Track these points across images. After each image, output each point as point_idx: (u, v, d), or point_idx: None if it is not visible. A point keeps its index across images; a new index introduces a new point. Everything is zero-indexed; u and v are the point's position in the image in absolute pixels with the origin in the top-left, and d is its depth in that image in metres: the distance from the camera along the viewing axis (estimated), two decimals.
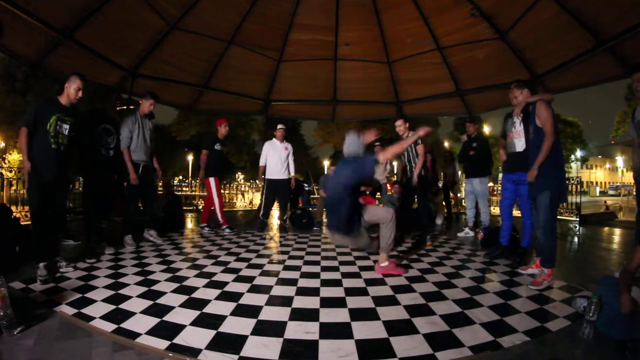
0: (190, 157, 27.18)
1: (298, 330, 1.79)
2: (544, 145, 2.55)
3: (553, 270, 2.57)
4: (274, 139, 5.17)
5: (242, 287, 2.44)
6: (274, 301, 2.19)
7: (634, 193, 3.04)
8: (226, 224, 4.75)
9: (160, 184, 5.27)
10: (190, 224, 5.77)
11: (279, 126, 5.18)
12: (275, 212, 6.62)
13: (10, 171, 8.33)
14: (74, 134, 2.82)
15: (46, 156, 2.64)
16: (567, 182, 6.72)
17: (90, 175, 3.45)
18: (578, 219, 6.33)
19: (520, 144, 3.10)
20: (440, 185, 6.98)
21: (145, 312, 1.98)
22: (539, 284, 2.49)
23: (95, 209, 3.42)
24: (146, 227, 4.04)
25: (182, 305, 2.08)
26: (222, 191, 5.08)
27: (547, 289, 2.45)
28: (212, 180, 4.74)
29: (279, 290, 2.39)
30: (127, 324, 1.81)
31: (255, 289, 2.41)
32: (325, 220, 5.95)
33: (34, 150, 2.62)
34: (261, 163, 5.20)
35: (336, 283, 2.56)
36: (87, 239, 3.43)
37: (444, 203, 6.59)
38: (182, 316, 1.93)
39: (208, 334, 1.72)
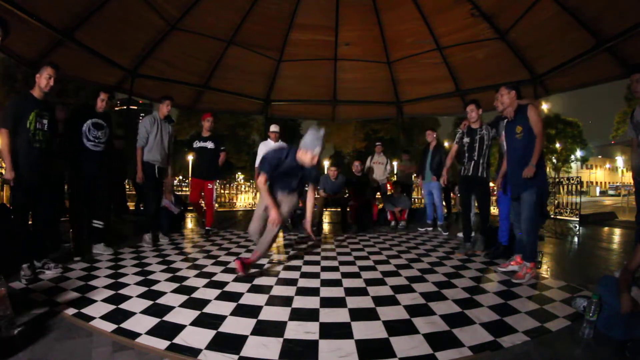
0: (190, 157, 27.19)
1: (298, 330, 1.79)
2: (537, 144, 2.66)
3: (534, 264, 2.70)
4: (268, 140, 5.13)
5: (242, 287, 2.44)
6: (274, 301, 2.19)
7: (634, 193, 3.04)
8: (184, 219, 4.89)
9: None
10: (190, 224, 5.77)
11: (272, 129, 5.10)
12: None
13: None
14: (53, 128, 2.72)
15: (29, 157, 2.54)
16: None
17: (77, 172, 3.22)
18: (578, 219, 6.32)
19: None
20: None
21: (145, 312, 1.98)
22: (521, 277, 2.59)
23: (82, 207, 3.29)
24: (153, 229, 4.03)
25: (182, 305, 2.08)
26: (212, 192, 4.79)
27: (547, 288, 2.46)
28: (191, 181, 4.76)
29: (278, 290, 2.39)
30: (127, 324, 1.81)
31: (255, 289, 2.40)
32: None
33: (16, 152, 2.50)
34: (257, 164, 5.06)
35: (336, 283, 2.56)
36: (75, 239, 3.24)
37: (443, 203, 6.59)
38: (182, 316, 1.93)
39: (208, 334, 1.72)
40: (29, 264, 2.54)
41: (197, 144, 4.70)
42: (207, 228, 4.66)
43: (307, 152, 2.62)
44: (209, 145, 4.68)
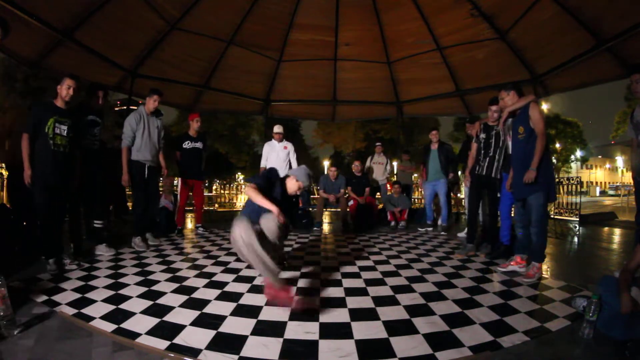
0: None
1: (298, 331, 1.79)
2: (537, 145, 2.60)
3: (542, 264, 2.74)
4: (272, 140, 5.20)
5: (242, 287, 2.44)
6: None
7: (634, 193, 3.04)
8: (180, 225, 4.68)
9: (161, 183, 5.16)
10: (190, 224, 5.77)
11: (276, 130, 5.15)
12: None
13: None
14: (72, 135, 2.89)
15: (47, 158, 2.73)
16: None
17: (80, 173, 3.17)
18: (578, 219, 6.32)
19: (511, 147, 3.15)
20: None
21: (145, 312, 1.98)
22: (531, 276, 2.61)
23: (80, 206, 3.30)
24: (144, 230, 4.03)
25: (182, 306, 2.08)
26: (209, 192, 4.91)
27: (547, 288, 2.46)
28: (179, 180, 4.65)
29: None
30: (127, 324, 1.81)
31: (255, 289, 2.40)
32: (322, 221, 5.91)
33: (35, 154, 2.72)
34: (262, 165, 5.22)
35: (336, 283, 2.56)
36: (75, 239, 3.22)
37: None
38: (182, 316, 1.93)
39: (208, 334, 1.72)
40: (55, 259, 2.73)
41: (188, 145, 4.61)
42: (197, 225, 4.78)
43: (298, 181, 2.64)
44: (199, 145, 4.67)
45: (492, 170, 3.44)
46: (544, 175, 2.60)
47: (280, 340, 1.69)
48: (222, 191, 9.87)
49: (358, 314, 1.99)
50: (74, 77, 2.88)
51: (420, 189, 9.20)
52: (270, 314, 1.99)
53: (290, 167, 5.17)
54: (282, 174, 4.93)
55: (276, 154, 5.08)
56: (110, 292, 2.27)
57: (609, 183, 49.07)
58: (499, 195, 3.48)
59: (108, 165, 3.84)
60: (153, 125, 3.80)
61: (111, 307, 2.03)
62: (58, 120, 2.78)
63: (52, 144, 2.74)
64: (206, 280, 2.58)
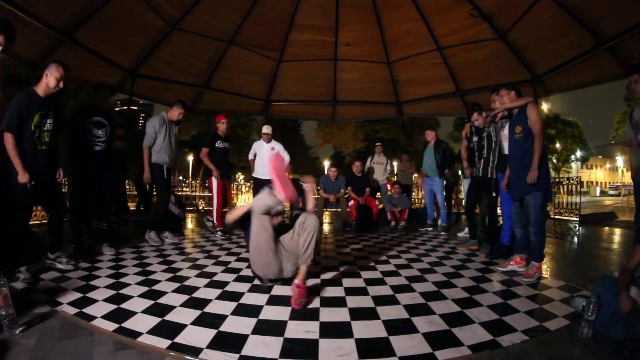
0: (190, 158, 27.18)
1: (298, 330, 1.80)
2: (536, 144, 2.63)
3: (541, 264, 2.75)
4: (261, 140, 5.14)
5: (242, 287, 2.45)
6: (274, 300, 2.20)
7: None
8: (220, 227, 4.57)
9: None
10: (190, 224, 5.78)
11: (264, 131, 5.10)
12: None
13: None
14: (56, 128, 2.64)
15: (35, 160, 2.49)
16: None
17: (79, 173, 3.19)
18: (578, 219, 6.32)
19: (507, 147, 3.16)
20: None
21: (147, 311, 1.99)
22: (531, 276, 2.62)
23: (82, 208, 3.25)
24: (160, 229, 4.09)
25: (183, 305, 2.09)
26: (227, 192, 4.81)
27: (547, 288, 2.47)
28: (213, 179, 4.56)
29: (279, 290, 2.39)
30: (129, 324, 1.82)
31: (255, 289, 2.41)
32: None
33: (22, 153, 2.41)
34: (250, 157, 5.23)
35: (336, 283, 2.57)
36: (75, 241, 3.19)
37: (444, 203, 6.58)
38: (183, 316, 1.94)
39: (209, 333, 1.73)
40: (27, 267, 2.49)
41: (220, 144, 4.62)
42: (218, 228, 4.64)
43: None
44: (227, 145, 4.74)
45: (488, 171, 3.49)
46: (541, 175, 2.62)
47: (281, 339, 1.70)
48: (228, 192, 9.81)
49: (358, 314, 2.00)
50: (66, 68, 2.58)
51: (420, 189, 9.20)
52: (270, 313, 2.01)
53: None
54: (267, 175, 4.95)
55: (263, 154, 5.03)
56: (112, 292, 2.28)
57: (609, 183, 49.04)
58: (494, 194, 3.49)
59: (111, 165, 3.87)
60: (172, 132, 4.00)
61: (112, 307, 2.03)
62: (44, 115, 2.50)
63: (39, 142, 2.48)
64: (207, 280, 2.59)
